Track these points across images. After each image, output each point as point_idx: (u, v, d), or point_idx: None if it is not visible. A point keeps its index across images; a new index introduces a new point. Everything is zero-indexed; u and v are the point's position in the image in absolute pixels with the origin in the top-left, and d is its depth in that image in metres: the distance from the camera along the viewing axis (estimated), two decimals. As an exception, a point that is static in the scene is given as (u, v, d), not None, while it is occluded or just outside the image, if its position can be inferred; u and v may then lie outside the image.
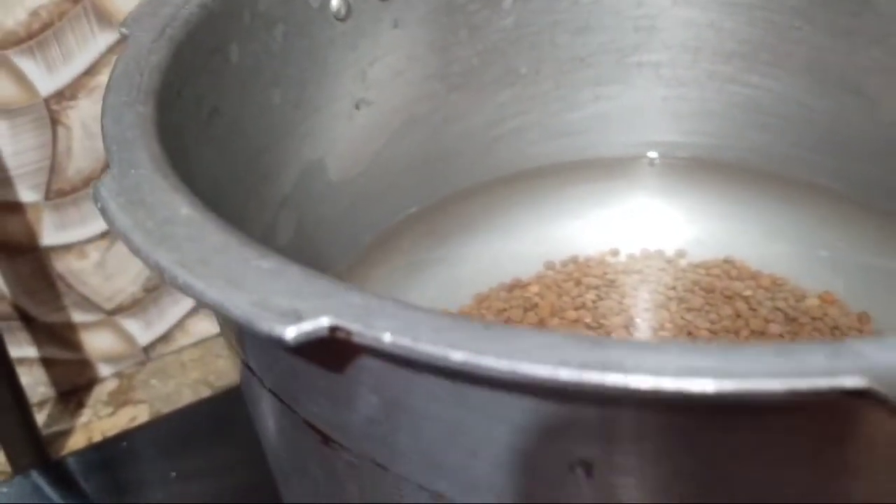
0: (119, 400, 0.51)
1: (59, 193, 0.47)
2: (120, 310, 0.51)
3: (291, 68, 0.37)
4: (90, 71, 0.46)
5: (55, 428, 0.50)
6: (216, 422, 0.48)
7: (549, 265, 0.43)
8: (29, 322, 0.49)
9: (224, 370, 0.52)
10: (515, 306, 0.41)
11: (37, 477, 0.46)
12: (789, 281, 0.41)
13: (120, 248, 0.49)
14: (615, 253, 0.43)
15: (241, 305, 0.19)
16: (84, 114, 0.47)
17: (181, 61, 0.30)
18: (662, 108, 0.44)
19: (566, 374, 0.16)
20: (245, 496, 0.44)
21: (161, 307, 0.52)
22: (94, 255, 0.50)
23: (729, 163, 0.44)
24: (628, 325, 0.40)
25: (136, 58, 0.30)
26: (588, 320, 0.40)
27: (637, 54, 0.43)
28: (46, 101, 0.46)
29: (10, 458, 0.46)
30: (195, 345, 0.54)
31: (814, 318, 0.39)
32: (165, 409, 0.50)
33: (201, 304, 0.19)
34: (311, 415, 0.24)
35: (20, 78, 0.45)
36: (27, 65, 0.45)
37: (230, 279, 0.20)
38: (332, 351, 0.20)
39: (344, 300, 0.19)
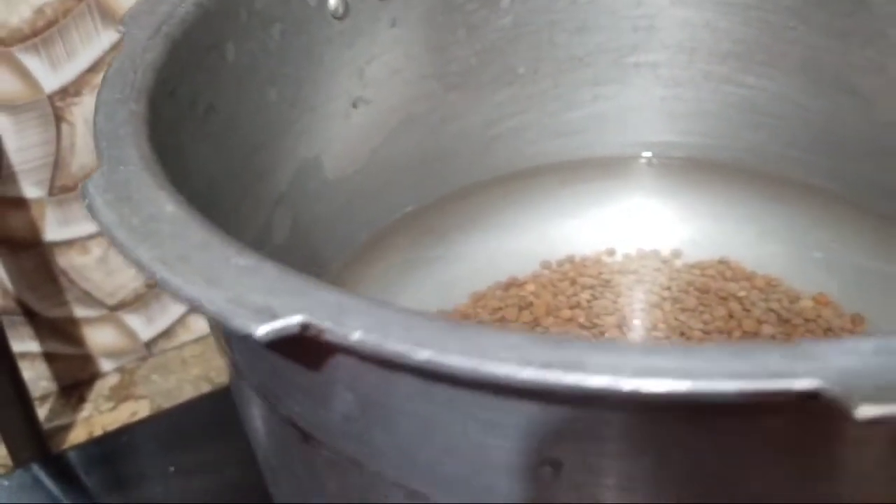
0: (120, 395, 0.52)
1: (62, 189, 0.48)
2: (122, 305, 0.52)
3: (288, 66, 0.37)
4: (94, 68, 0.47)
5: (57, 422, 0.51)
6: (216, 418, 0.48)
7: (546, 264, 0.43)
8: (32, 317, 0.50)
9: (224, 367, 0.53)
10: (511, 305, 0.41)
11: (37, 470, 0.46)
12: (784, 282, 0.41)
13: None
14: (611, 253, 0.43)
15: (216, 302, 0.19)
16: (88, 110, 0.47)
17: (176, 59, 0.31)
18: (660, 108, 0.44)
19: (527, 374, 0.16)
20: (242, 492, 0.44)
21: (163, 303, 0.53)
22: (97, 250, 0.50)
23: (724, 163, 0.44)
24: (622, 325, 0.40)
25: (131, 55, 0.30)
26: (582, 320, 0.40)
27: (635, 54, 0.43)
28: (50, 97, 0.46)
29: (11, 451, 0.47)
30: (196, 341, 0.55)
31: (807, 320, 0.39)
32: (166, 404, 0.51)
33: (179, 300, 0.20)
34: (292, 413, 0.24)
35: (25, 75, 0.45)
36: (32, 62, 0.45)
37: (208, 276, 0.20)
38: (309, 348, 0.20)
39: (317, 298, 0.19)
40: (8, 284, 0.49)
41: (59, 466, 0.47)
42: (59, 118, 0.47)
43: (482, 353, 0.17)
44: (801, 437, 0.17)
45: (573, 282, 0.42)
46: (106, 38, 0.46)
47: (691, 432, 0.18)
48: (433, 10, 0.41)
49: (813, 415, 0.17)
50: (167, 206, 0.22)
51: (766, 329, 0.39)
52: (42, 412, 0.50)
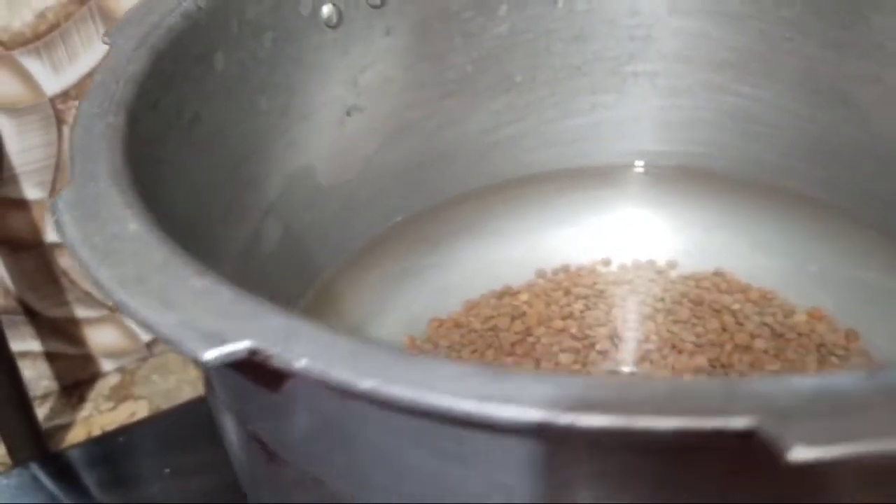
0: (120, 395, 0.52)
1: (63, 191, 0.48)
2: (123, 306, 0.52)
3: (279, 75, 0.37)
4: (95, 71, 0.47)
5: (57, 421, 0.51)
6: (213, 419, 0.48)
7: (541, 273, 0.43)
8: (33, 317, 0.50)
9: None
10: (503, 314, 0.41)
11: (35, 469, 0.46)
12: (778, 295, 0.40)
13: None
14: (607, 262, 0.43)
15: (169, 325, 0.19)
16: (89, 113, 0.47)
17: (161, 70, 0.31)
18: (657, 118, 0.44)
19: (465, 406, 0.16)
20: (238, 494, 0.44)
21: (163, 305, 0.53)
22: (98, 252, 0.50)
23: (721, 173, 0.43)
24: (613, 337, 0.40)
25: (114, 68, 0.30)
26: (574, 330, 0.40)
27: (632, 63, 0.43)
28: (52, 100, 0.47)
29: (10, 450, 0.47)
30: (198, 342, 0.55)
31: (800, 335, 0.38)
32: (165, 404, 0.51)
33: (135, 322, 0.20)
34: (259, 430, 0.24)
35: (27, 78, 0.46)
36: (34, 65, 0.46)
37: (164, 298, 0.20)
38: (266, 371, 0.20)
39: (268, 323, 0.19)
40: (9, 284, 0.49)
41: (57, 466, 0.47)
42: (60, 121, 0.47)
43: (426, 384, 0.17)
44: (742, 475, 0.17)
45: (567, 291, 0.42)
46: (108, 41, 0.46)
47: (635, 463, 0.18)
48: (429, 18, 0.41)
49: (754, 453, 0.17)
50: (130, 224, 0.22)
51: (759, 343, 0.38)
52: (42, 411, 0.51)
